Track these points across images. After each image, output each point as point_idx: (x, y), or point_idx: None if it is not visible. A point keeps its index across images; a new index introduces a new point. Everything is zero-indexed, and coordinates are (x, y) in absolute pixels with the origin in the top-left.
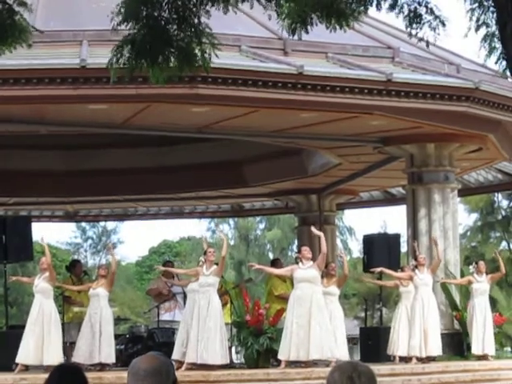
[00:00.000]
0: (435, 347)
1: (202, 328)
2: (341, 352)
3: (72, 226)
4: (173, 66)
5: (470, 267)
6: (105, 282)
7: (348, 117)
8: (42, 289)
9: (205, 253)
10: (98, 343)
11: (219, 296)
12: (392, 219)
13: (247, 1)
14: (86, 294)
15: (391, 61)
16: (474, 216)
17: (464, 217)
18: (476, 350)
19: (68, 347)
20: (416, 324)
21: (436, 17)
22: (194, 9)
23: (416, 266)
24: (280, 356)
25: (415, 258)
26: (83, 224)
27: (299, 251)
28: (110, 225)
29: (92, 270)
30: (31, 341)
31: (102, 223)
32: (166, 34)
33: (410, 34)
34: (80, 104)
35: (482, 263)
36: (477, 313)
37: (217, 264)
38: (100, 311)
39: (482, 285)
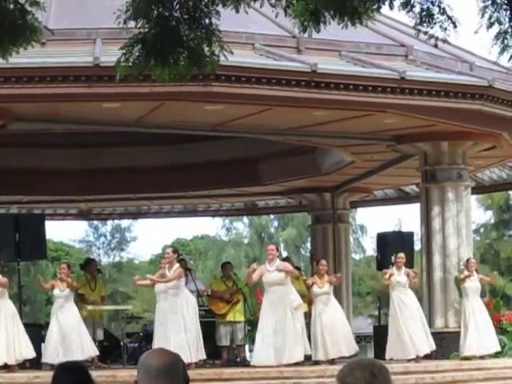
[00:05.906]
0: (425, 345)
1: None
2: (348, 346)
3: (84, 224)
4: (181, 66)
5: (460, 264)
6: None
7: (361, 115)
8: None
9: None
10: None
11: (230, 295)
12: (406, 217)
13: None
14: (100, 293)
15: (405, 59)
16: (489, 213)
17: (479, 214)
18: (476, 351)
19: None
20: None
21: (448, 17)
22: (206, 9)
23: (393, 264)
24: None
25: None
26: (95, 222)
27: (314, 250)
28: (124, 222)
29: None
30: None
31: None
32: (176, 34)
33: (418, 31)
34: (94, 102)
35: (472, 261)
36: (476, 313)
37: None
38: None
39: (474, 283)
